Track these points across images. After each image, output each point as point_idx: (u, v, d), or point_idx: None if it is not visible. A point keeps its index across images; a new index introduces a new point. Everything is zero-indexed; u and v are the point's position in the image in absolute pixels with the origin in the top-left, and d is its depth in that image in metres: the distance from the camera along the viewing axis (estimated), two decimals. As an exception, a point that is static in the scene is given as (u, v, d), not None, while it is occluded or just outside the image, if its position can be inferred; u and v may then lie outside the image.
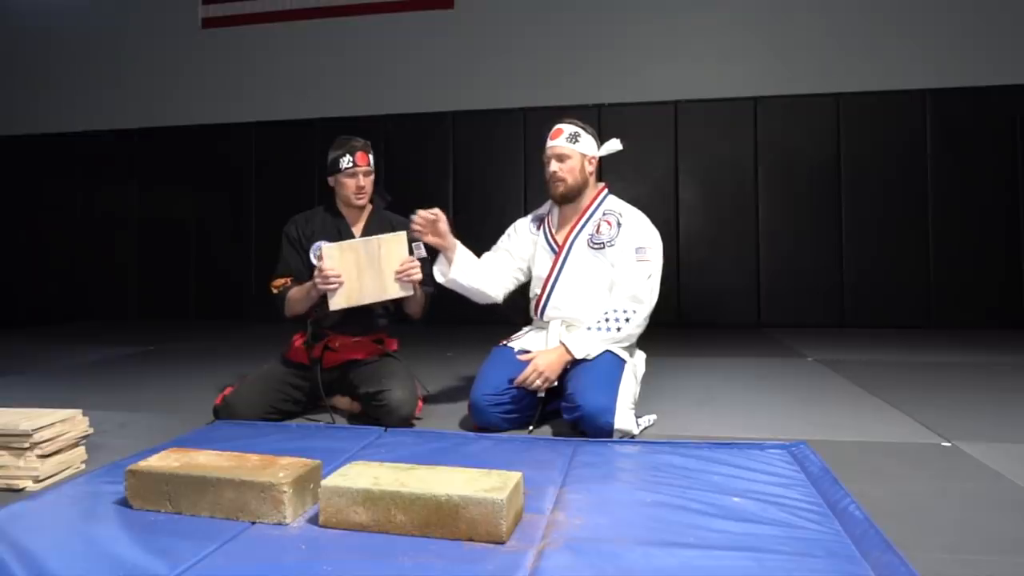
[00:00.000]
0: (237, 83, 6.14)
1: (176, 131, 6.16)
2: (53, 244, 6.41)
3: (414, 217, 2.27)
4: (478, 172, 5.68)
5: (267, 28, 6.08)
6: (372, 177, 2.41)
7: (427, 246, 2.33)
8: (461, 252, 2.36)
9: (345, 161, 2.36)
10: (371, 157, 2.41)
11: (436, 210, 2.27)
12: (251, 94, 6.11)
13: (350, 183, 2.37)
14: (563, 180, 2.32)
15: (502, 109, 5.64)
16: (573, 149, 2.32)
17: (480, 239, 2.53)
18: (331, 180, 2.43)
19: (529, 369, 2.14)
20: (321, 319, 2.37)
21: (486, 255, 2.49)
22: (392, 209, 2.59)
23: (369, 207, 2.48)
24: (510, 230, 2.53)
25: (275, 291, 2.38)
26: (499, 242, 2.53)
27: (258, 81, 6.11)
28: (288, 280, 2.38)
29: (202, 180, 6.14)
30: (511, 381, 2.18)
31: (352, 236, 2.43)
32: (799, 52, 5.28)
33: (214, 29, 6.18)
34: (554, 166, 2.32)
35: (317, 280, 2.19)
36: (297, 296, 2.32)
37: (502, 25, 5.73)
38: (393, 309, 2.49)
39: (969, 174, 4.99)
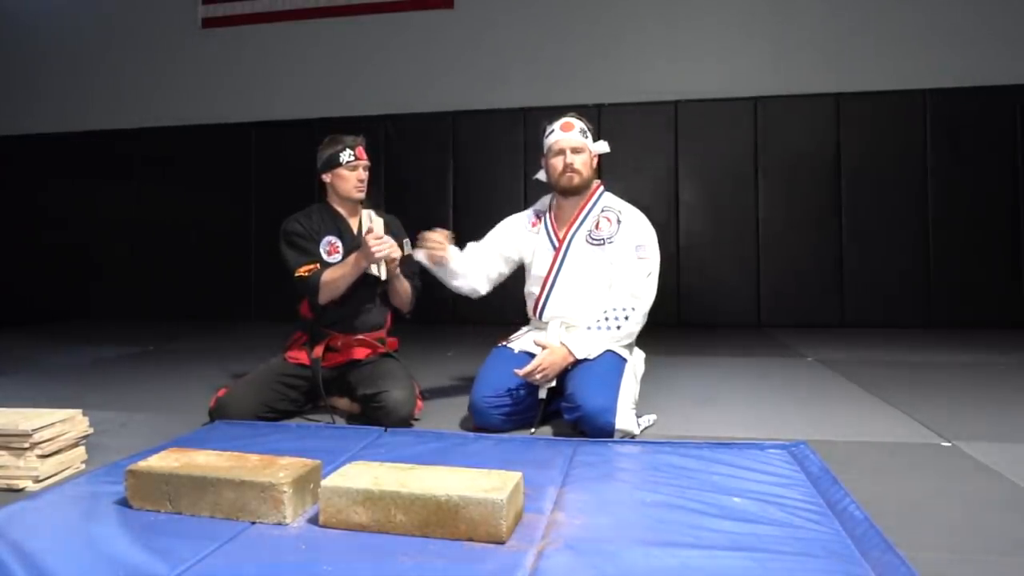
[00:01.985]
0: (237, 83, 6.14)
1: (176, 131, 6.15)
2: (53, 244, 6.40)
3: (428, 235, 2.31)
4: (478, 172, 5.68)
5: (267, 28, 6.07)
6: (368, 172, 2.46)
7: (413, 241, 2.39)
8: (452, 249, 2.40)
9: (346, 155, 2.39)
10: (365, 155, 2.46)
11: (441, 231, 2.32)
12: (251, 94, 6.10)
13: (351, 176, 2.40)
14: (579, 172, 2.33)
15: (502, 109, 5.64)
16: (585, 143, 2.35)
17: (480, 238, 2.54)
18: (327, 176, 2.44)
19: (535, 363, 2.13)
20: (323, 317, 2.37)
21: (471, 245, 2.50)
22: (390, 209, 2.62)
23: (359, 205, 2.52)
24: (501, 224, 2.53)
25: (306, 275, 2.31)
26: (488, 235, 2.53)
27: (258, 81, 6.11)
28: (316, 266, 2.33)
29: (202, 180, 6.13)
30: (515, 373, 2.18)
31: (351, 232, 2.45)
32: (799, 52, 5.28)
33: (214, 29, 6.17)
34: (570, 157, 2.32)
35: (374, 247, 2.19)
36: (336, 275, 2.29)
37: (502, 25, 5.72)
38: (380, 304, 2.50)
39: (969, 174, 4.98)
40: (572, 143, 2.33)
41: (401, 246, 2.33)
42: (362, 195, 2.45)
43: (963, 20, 5.03)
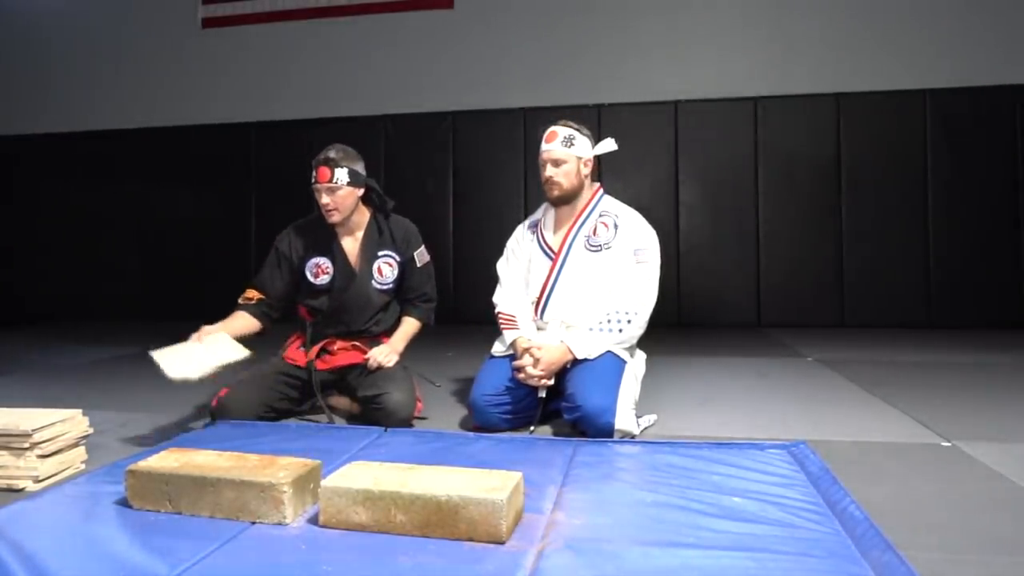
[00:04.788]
0: (237, 83, 6.14)
1: (176, 131, 6.16)
2: (53, 244, 6.40)
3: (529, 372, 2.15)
4: (478, 172, 5.67)
5: (267, 28, 6.08)
6: (341, 192, 2.24)
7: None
8: (524, 325, 2.32)
9: (312, 178, 2.27)
10: (338, 172, 2.22)
11: (529, 361, 2.16)
12: (251, 94, 6.11)
13: (318, 201, 2.29)
14: (558, 184, 2.29)
15: (502, 109, 5.64)
16: (569, 153, 2.29)
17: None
18: None
19: (533, 364, 2.12)
20: (320, 323, 2.37)
21: (504, 269, 2.46)
22: (392, 210, 2.55)
23: (367, 216, 2.41)
24: (514, 240, 2.49)
25: (240, 302, 2.38)
26: (508, 249, 2.49)
27: (258, 81, 6.11)
28: (255, 297, 2.37)
29: (202, 180, 6.14)
30: (513, 366, 2.17)
31: (341, 253, 2.37)
32: (799, 52, 5.28)
33: (214, 29, 6.18)
34: (549, 171, 2.29)
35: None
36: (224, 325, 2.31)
37: (502, 25, 5.73)
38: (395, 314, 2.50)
39: (969, 174, 4.99)
40: (553, 155, 2.28)
41: (414, 261, 2.39)
42: (332, 219, 2.28)
43: (963, 20, 5.04)
